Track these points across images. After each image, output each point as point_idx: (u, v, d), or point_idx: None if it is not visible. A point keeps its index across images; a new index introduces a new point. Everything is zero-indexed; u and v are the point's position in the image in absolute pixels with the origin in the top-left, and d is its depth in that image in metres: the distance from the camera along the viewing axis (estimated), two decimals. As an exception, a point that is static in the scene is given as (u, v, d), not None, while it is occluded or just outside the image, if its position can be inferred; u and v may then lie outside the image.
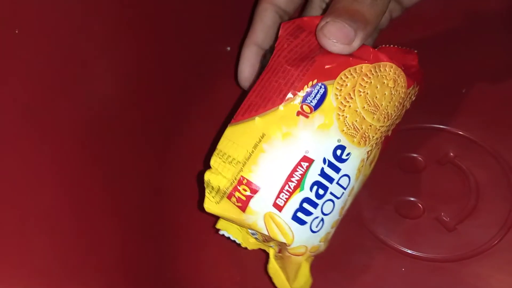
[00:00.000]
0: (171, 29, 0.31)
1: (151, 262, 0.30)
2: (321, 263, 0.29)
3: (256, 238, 0.24)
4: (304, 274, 0.24)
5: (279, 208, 0.21)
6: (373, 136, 0.22)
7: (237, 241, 0.24)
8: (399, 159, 0.31)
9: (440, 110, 0.31)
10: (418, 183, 0.30)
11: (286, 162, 0.21)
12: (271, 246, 0.24)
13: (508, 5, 0.33)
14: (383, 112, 0.22)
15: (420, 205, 0.29)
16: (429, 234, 0.28)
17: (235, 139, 0.21)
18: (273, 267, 0.24)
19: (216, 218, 0.25)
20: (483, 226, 0.27)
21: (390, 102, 0.22)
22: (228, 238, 0.24)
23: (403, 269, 0.27)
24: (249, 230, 0.23)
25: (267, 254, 0.24)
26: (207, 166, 0.23)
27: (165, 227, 0.32)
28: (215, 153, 0.22)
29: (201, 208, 0.27)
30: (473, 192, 0.28)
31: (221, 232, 0.24)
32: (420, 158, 0.30)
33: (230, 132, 0.22)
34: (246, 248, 0.24)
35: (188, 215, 0.32)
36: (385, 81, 0.22)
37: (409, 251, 0.28)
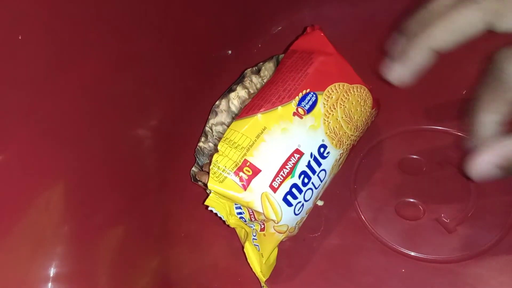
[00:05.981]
0: (175, 34, 0.31)
1: (151, 261, 0.30)
2: (321, 264, 0.29)
3: (240, 218, 0.26)
4: (274, 255, 0.28)
5: (274, 189, 0.24)
6: (345, 142, 0.27)
7: (223, 218, 0.26)
8: (399, 160, 0.31)
9: (441, 112, 0.32)
10: (419, 185, 0.30)
11: (282, 152, 0.25)
12: (251, 227, 0.27)
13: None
14: (355, 124, 0.27)
15: (420, 206, 0.29)
16: (430, 235, 0.28)
17: (240, 129, 0.25)
18: (249, 246, 0.27)
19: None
20: (483, 228, 0.27)
21: (360, 117, 0.28)
22: (216, 214, 0.26)
23: (403, 270, 0.27)
24: (234, 210, 0.26)
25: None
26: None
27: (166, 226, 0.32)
28: (222, 140, 0.25)
29: (201, 208, 0.27)
30: (473, 193, 0.28)
31: (209, 208, 0.26)
32: (420, 160, 0.31)
33: (236, 125, 0.25)
34: (228, 226, 0.27)
35: (188, 215, 0.32)
36: (359, 100, 0.27)
37: (409, 253, 0.28)
